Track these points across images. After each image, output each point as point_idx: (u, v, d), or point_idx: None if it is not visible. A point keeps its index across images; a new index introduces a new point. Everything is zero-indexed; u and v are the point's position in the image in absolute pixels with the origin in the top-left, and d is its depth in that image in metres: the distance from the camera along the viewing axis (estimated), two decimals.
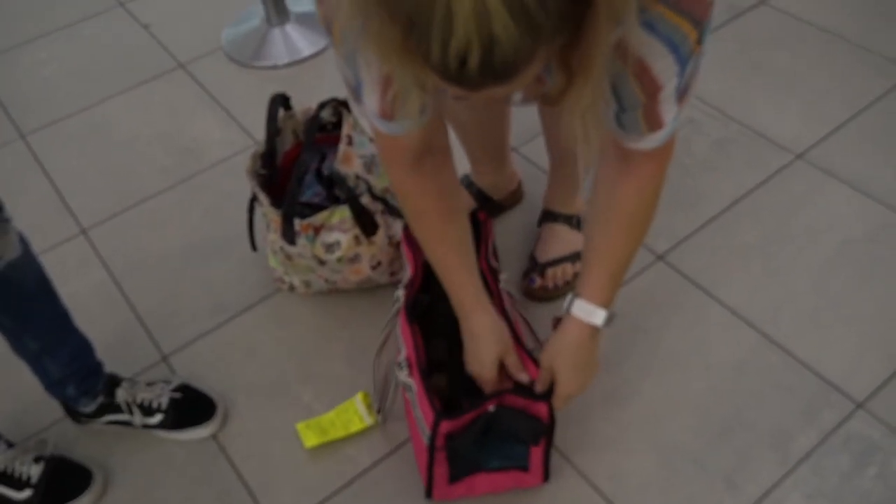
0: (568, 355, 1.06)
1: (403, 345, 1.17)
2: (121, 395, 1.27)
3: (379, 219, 1.35)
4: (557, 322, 1.10)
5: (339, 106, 1.41)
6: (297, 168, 1.31)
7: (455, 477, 1.15)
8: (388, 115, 0.91)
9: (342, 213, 1.31)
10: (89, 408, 1.27)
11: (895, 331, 1.36)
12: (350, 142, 1.34)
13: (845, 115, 1.74)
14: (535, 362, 1.12)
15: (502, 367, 1.12)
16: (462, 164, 1.38)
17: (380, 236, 1.35)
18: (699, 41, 0.77)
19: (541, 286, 1.43)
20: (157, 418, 1.28)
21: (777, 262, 1.48)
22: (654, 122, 0.85)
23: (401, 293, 1.23)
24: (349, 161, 1.33)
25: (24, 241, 1.10)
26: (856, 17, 1.97)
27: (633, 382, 1.32)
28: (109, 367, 1.30)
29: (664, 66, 0.77)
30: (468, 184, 1.55)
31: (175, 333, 1.45)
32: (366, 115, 0.95)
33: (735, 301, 1.42)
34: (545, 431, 1.10)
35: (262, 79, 1.98)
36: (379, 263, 1.39)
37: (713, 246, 1.51)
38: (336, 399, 1.31)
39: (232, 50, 2.06)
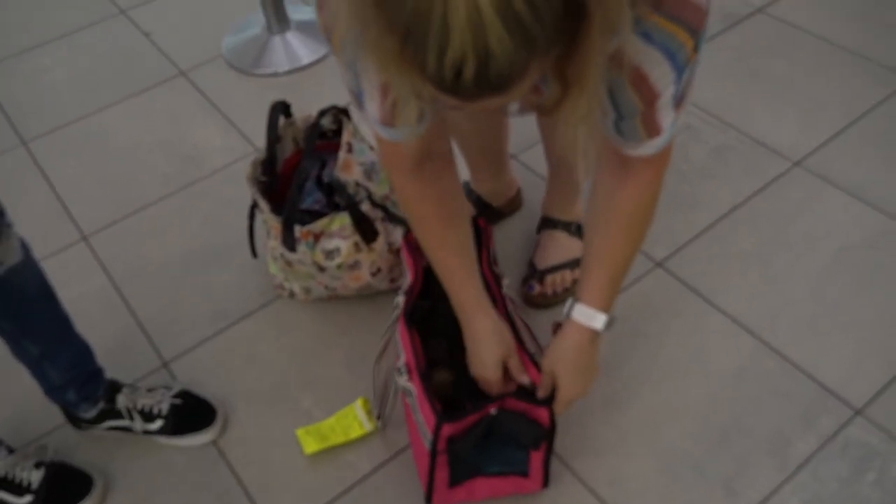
0: (568, 359, 1.07)
1: (403, 350, 1.17)
2: (121, 400, 1.28)
3: (379, 226, 1.36)
4: (557, 327, 1.10)
5: (340, 113, 1.41)
6: (297, 175, 1.32)
7: (455, 482, 1.15)
8: (388, 121, 0.92)
9: (342, 220, 1.32)
10: (90, 413, 1.27)
11: (893, 337, 1.37)
12: (350, 149, 1.35)
13: (843, 123, 1.74)
14: (537, 365, 1.12)
15: (505, 370, 1.13)
16: (462, 171, 1.39)
17: (379, 243, 1.36)
18: (695, 49, 0.78)
19: (540, 293, 1.44)
20: (158, 424, 1.28)
21: (775, 269, 1.49)
22: (652, 129, 0.86)
23: (401, 299, 1.24)
24: (349, 168, 1.34)
25: (25, 247, 1.10)
26: (853, 25, 1.98)
27: (632, 388, 1.33)
28: (110, 372, 1.30)
29: (661, 74, 0.78)
30: (468, 191, 1.56)
31: (175, 340, 1.46)
32: (367, 121, 0.95)
33: (733, 308, 1.43)
34: (546, 436, 1.11)
35: (263, 86, 1.99)
36: (379, 270, 1.39)
37: (711, 253, 1.52)
38: (336, 405, 1.32)
39: (233, 57, 2.07)
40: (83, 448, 1.31)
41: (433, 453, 1.09)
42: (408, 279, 1.27)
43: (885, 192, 1.59)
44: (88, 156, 1.85)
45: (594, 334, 1.06)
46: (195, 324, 1.48)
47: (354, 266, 1.36)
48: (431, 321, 1.23)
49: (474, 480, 1.16)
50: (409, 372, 1.14)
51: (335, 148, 1.39)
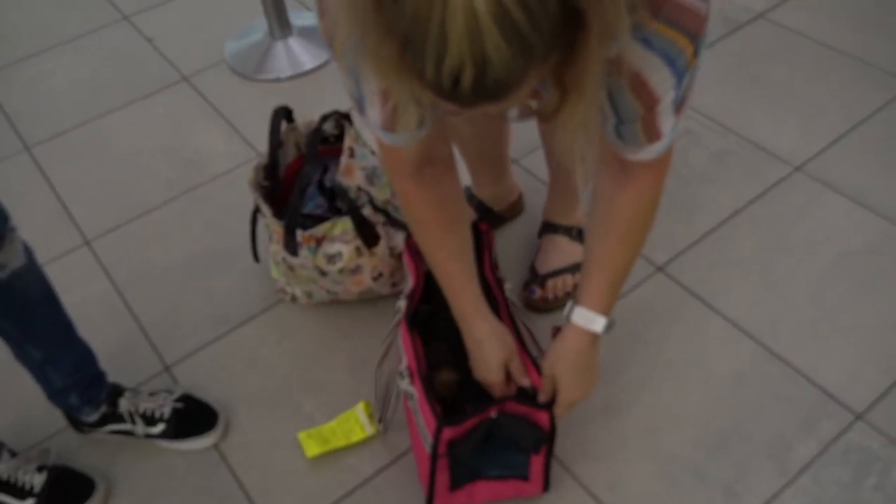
0: (568, 362, 1.07)
1: (404, 354, 1.18)
2: (123, 404, 1.28)
3: (380, 230, 1.36)
4: (557, 331, 1.11)
5: (341, 118, 1.42)
6: (299, 180, 1.32)
7: (456, 485, 1.15)
8: (389, 126, 0.92)
9: (344, 225, 1.32)
10: (92, 417, 1.28)
11: (894, 342, 1.37)
12: (352, 154, 1.35)
13: (843, 128, 1.75)
14: (538, 369, 1.13)
15: (507, 373, 1.13)
16: (463, 176, 1.39)
17: (381, 247, 1.36)
18: (695, 54, 0.79)
19: (541, 297, 1.44)
20: (160, 428, 1.29)
21: (776, 274, 1.49)
22: (652, 134, 0.87)
23: (402, 303, 1.24)
24: (351, 173, 1.34)
25: (28, 251, 1.11)
26: (853, 30, 1.99)
27: (632, 392, 1.33)
28: (112, 376, 1.31)
29: (661, 80, 0.79)
30: (469, 196, 1.57)
31: (178, 344, 1.46)
32: (369, 126, 0.96)
33: (734, 312, 1.43)
34: (546, 440, 1.11)
35: (265, 92, 2.00)
36: (380, 274, 1.40)
37: (712, 257, 1.52)
38: (338, 409, 1.32)
39: (235, 63, 2.08)
40: (85, 452, 1.31)
41: (434, 457, 1.09)
42: (409, 283, 1.28)
43: (885, 197, 1.60)
44: (91, 161, 1.86)
45: (594, 337, 1.06)
46: (197, 328, 1.49)
47: (356, 270, 1.37)
48: (433, 325, 1.24)
49: (475, 484, 1.16)
50: (411, 375, 1.14)
51: (337, 153, 1.40)
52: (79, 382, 1.24)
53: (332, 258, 1.34)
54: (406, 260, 1.31)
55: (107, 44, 2.21)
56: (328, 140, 1.44)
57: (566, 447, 1.25)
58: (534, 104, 0.99)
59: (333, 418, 1.30)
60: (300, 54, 2.07)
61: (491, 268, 1.28)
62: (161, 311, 1.52)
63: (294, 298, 1.48)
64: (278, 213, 1.35)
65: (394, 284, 1.44)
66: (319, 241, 1.33)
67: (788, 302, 1.44)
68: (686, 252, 1.54)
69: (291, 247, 1.34)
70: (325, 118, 1.41)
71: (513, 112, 1.09)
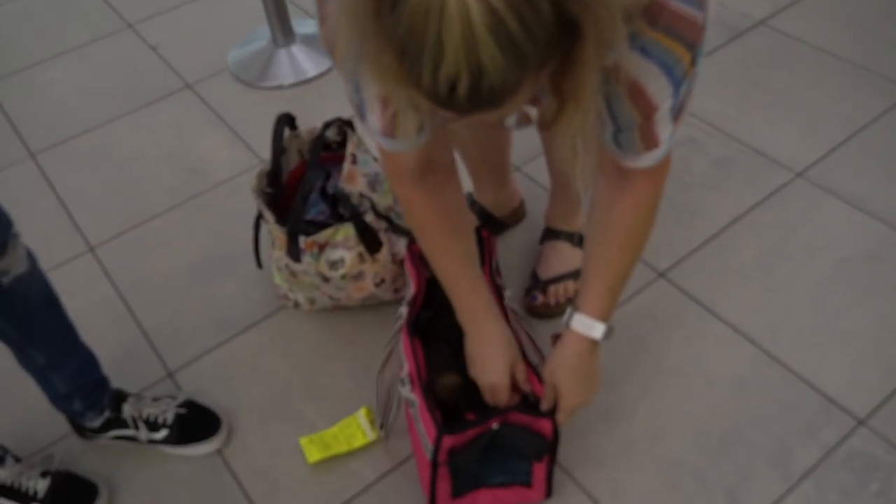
0: (568, 368, 1.07)
1: (406, 360, 1.18)
2: (127, 410, 1.28)
3: (382, 236, 1.37)
4: (557, 338, 1.11)
5: (344, 125, 1.43)
6: (302, 186, 1.33)
7: (458, 492, 1.15)
8: (389, 132, 0.93)
9: (346, 231, 1.33)
10: (95, 422, 1.28)
11: (895, 347, 1.37)
12: (354, 161, 1.36)
13: (844, 134, 1.75)
14: (539, 377, 1.13)
15: (512, 378, 1.13)
16: (465, 182, 1.40)
17: (383, 254, 1.37)
18: (693, 63, 0.79)
19: (543, 303, 1.45)
20: (163, 433, 1.29)
21: (777, 280, 1.49)
22: (650, 141, 0.87)
23: (404, 310, 1.24)
24: (353, 179, 1.35)
25: (31, 257, 1.12)
26: (854, 37, 1.99)
27: (634, 398, 1.33)
28: (116, 382, 1.31)
29: (659, 88, 0.79)
30: (471, 202, 1.57)
31: (181, 350, 1.47)
32: (370, 132, 0.97)
33: (735, 318, 1.43)
34: (548, 447, 1.11)
35: (268, 99, 2.01)
36: (382, 280, 1.40)
37: (713, 263, 1.53)
38: (340, 415, 1.32)
39: (238, 70, 2.09)
40: (88, 457, 1.32)
41: (434, 464, 1.09)
42: (411, 290, 1.28)
43: (886, 203, 1.60)
44: (95, 168, 1.87)
45: (593, 344, 1.06)
46: (200, 334, 1.49)
47: (358, 276, 1.37)
48: (434, 332, 1.24)
49: (477, 492, 1.17)
50: (412, 382, 1.14)
51: (340, 159, 1.41)
52: (82, 387, 1.25)
53: (334, 264, 1.35)
54: (408, 266, 1.32)
55: (111, 52, 2.23)
56: (331, 147, 1.45)
57: (568, 453, 1.25)
58: (531, 112, 0.99)
59: (335, 424, 1.31)
60: (303, 62, 2.08)
61: (492, 275, 1.28)
62: (164, 317, 1.53)
63: (297, 304, 1.49)
64: (281, 219, 1.35)
65: (396, 290, 1.44)
66: (322, 248, 1.34)
67: (790, 307, 1.44)
68: (687, 258, 1.54)
69: (294, 253, 1.34)
70: (327, 125, 1.42)
71: (511, 119, 1.10)
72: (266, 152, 1.44)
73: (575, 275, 1.45)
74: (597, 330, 1.05)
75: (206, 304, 1.54)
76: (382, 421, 1.30)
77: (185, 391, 1.39)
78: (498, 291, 1.26)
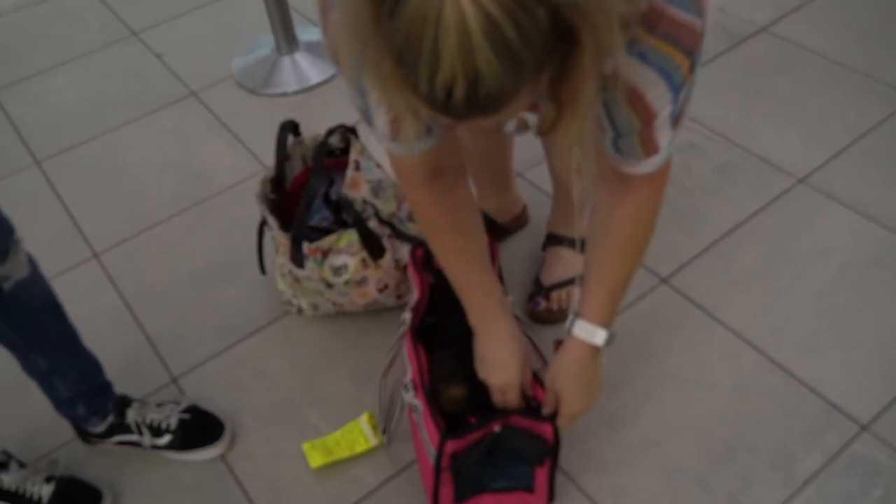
0: (570, 375, 1.08)
1: (409, 366, 1.18)
2: (131, 415, 1.29)
3: (386, 242, 1.37)
4: (559, 344, 1.11)
5: (347, 132, 1.44)
6: (305, 193, 1.34)
7: (460, 497, 1.15)
8: (395, 136, 0.94)
9: (350, 237, 1.33)
10: (99, 428, 1.29)
11: None
12: (357, 167, 1.37)
13: (846, 140, 1.76)
14: (541, 382, 1.13)
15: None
16: None
17: (386, 260, 1.38)
18: (691, 69, 0.80)
19: (546, 309, 1.45)
20: (166, 439, 1.29)
21: (779, 285, 1.49)
22: (650, 147, 0.88)
23: (407, 315, 1.25)
24: (357, 186, 1.36)
25: (32, 262, 1.12)
26: (856, 43, 2.00)
27: (637, 404, 1.33)
28: (120, 388, 1.32)
29: (658, 94, 0.80)
30: None
31: (184, 355, 1.47)
32: (377, 137, 0.97)
33: (737, 323, 1.43)
34: (550, 452, 1.11)
35: (272, 106, 2.02)
36: (386, 286, 1.41)
37: (715, 269, 1.53)
38: (343, 420, 1.33)
39: (242, 78, 2.11)
40: (93, 462, 1.32)
41: (437, 469, 1.09)
42: (414, 295, 1.28)
43: (888, 209, 1.60)
44: (100, 175, 1.88)
45: (595, 350, 1.06)
46: (204, 340, 1.50)
47: (361, 282, 1.38)
48: (437, 337, 1.24)
49: (480, 497, 1.17)
50: (415, 388, 1.14)
51: (343, 166, 1.41)
52: (85, 392, 1.25)
53: (337, 270, 1.35)
54: (411, 272, 1.32)
55: (116, 60, 2.24)
56: (334, 153, 1.46)
57: (571, 458, 1.25)
58: (530, 118, 1.00)
59: (338, 429, 1.31)
60: (307, 69, 2.09)
61: None
62: (168, 323, 1.53)
63: (300, 310, 1.49)
64: (285, 225, 1.36)
65: (399, 296, 1.44)
66: (325, 254, 1.34)
67: (792, 313, 1.45)
68: (690, 264, 1.54)
69: (298, 259, 1.35)
70: (330, 132, 1.43)
71: (510, 125, 1.10)
72: (270, 159, 1.45)
73: (578, 280, 1.45)
74: (598, 336, 1.05)
75: (210, 309, 1.55)
76: (385, 426, 1.30)
77: (189, 396, 1.40)
78: None
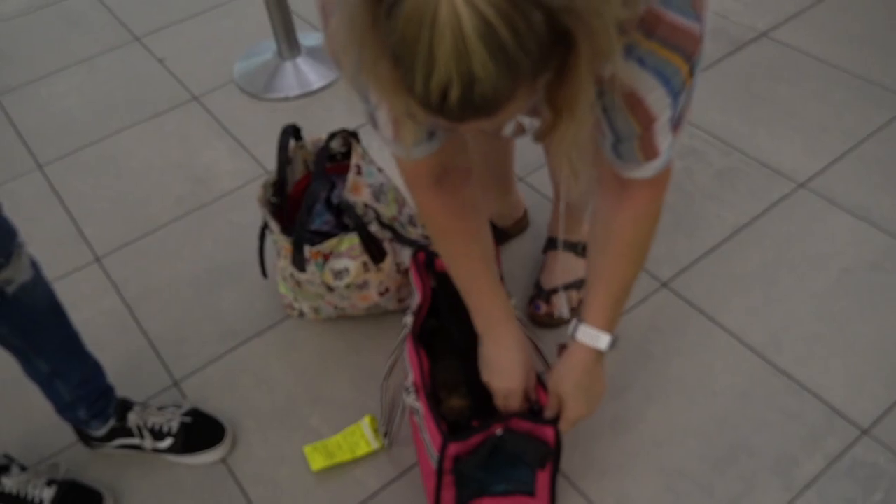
0: (573, 379, 1.08)
1: (410, 369, 1.18)
2: (132, 418, 1.29)
3: (387, 246, 1.37)
4: (562, 348, 1.11)
5: (349, 136, 1.44)
6: (307, 197, 1.34)
7: (462, 501, 1.15)
8: (398, 138, 0.94)
9: (351, 241, 1.34)
10: (101, 431, 1.29)
11: None
12: (359, 171, 1.37)
13: (847, 145, 1.76)
14: (544, 386, 1.13)
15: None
16: None
17: (388, 263, 1.38)
18: (690, 74, 0.80)
19: (546, 312, 1.45)
20: (168, 442, 1.30)
21: (780, 290, 1.49)
22: (650, 151, 0.88)
23: (409, 319, 1.25)
24: (358, 190, 1.36)
25: (35, 266, 1.13)
26: (856, 49, 2.00)
27: (638, 408, 1.33)
28: (121, 391, 1.32)
29: (657, 99, 0.80)
30: None
31: (186, 359, 1.48)
32: (383, 140, 0.97)
33: (738, 327, 1.44)
34: (551, 455, 1.11)
35: (274, 110, 2.03)
36: (387, 290, 1.41)
37: (716, 273, 1.53)
38: (344, 424, 1.33)
39: (244, 82, 2.11)
40: (94, 466, 1.32)
41: (439, 472, 1.09)
42: (416, 299, 1.29)
43: (889, 213, 1.60)
44: (102, 179, 1.88)
45: (599, 354, 1.07)
46: (205, 343, 1.50)
47: (363, 286, 1.38)
48: (439, 341, 1.25)
49: (481, 500, 1.17)
50: (416, 391, 1.15)
51: (344, 170, 1.42)
52: (87, 396, 1.25)
53: (339, 274, 1.35)
54: (413, 276, 1.32)
55: (118, 64, 2.25)
56: (335, 157, 1.46)
57: (572, 462, 1.25)
58: (525, 122, 1.00)
59: (339, 432, 1.31)
60: (308, 74, 2.10)
61: None
62: (170, 326, 1.54)
63: (301, 314, 1.49)
64: (286, 229, 1.36)
65: (400, 300, 1.45)
66: (327, 257, 1.34)
67: (793, 317, 1.45)
68: (690, 268, 1.54)
69: (299, 262, 1.35)
70: (332, 136, 1.43)
71: (509, 128, 1.10)
72: (271, 163, 1.45)
73: (578, 284, 1.46)
74: (602, 341, 1.05)
75: (212, 313, 1.55)
76: (386, 429, 1.30)
77: (191, 400, 1.40)
78: None
